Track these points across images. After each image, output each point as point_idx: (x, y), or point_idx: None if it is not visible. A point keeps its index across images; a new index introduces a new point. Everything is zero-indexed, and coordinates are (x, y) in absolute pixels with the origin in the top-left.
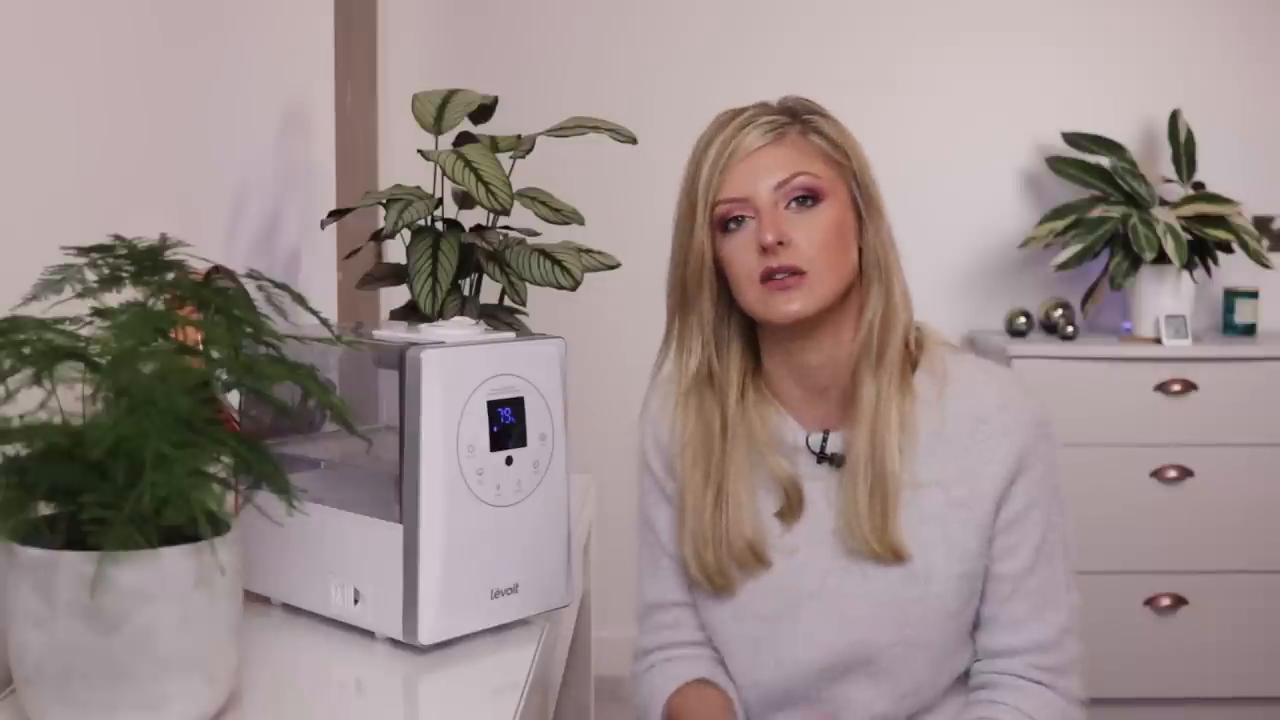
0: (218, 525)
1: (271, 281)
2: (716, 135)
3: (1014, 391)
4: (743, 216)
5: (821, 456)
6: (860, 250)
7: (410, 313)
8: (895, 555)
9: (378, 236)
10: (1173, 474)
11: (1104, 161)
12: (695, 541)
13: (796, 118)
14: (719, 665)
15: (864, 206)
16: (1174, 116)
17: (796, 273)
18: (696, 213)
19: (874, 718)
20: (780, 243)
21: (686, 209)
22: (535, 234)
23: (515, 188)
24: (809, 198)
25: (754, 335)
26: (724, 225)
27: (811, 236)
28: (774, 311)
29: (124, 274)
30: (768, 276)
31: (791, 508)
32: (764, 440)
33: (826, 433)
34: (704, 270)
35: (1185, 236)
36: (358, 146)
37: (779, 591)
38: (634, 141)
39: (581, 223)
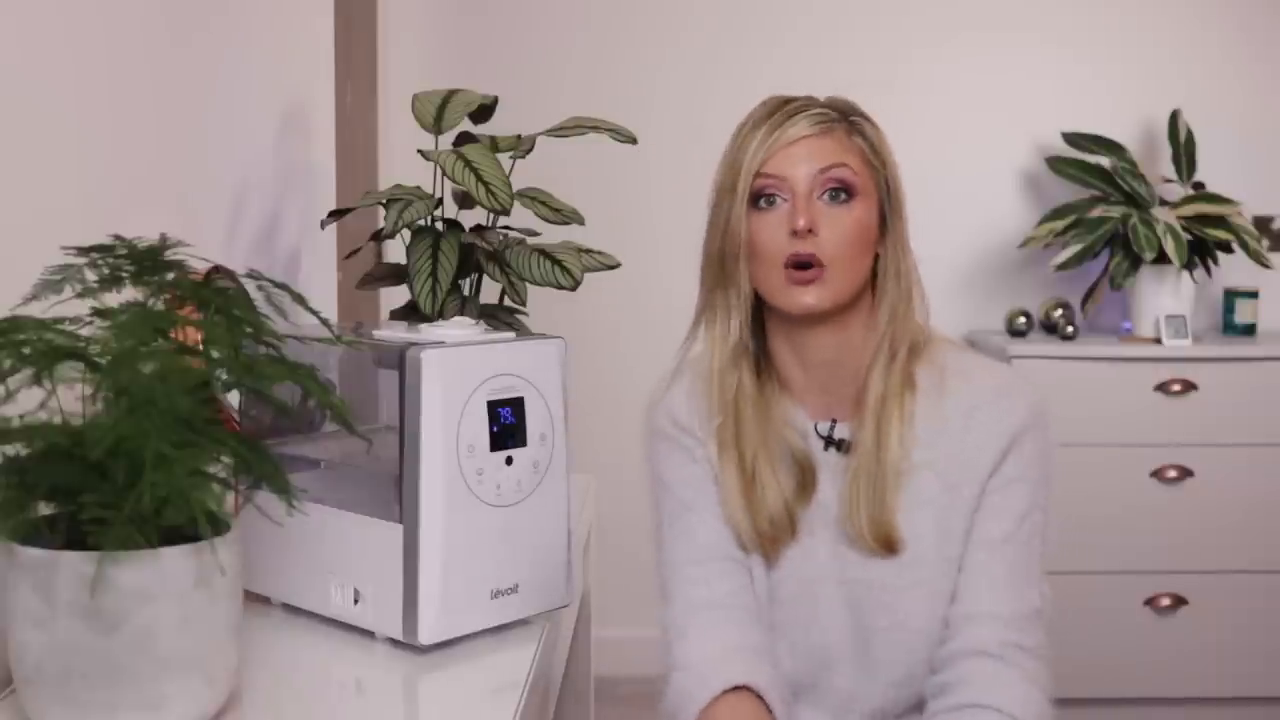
0: (218, 525)
1: (271, 281)
2: (765, 118)
3: (1012, 381)
4: (776, 196)
5: (829, 442)
6: (877, 255)
7: (410, 313)
8: (887, 547)
9: (378, 236)
10: (1173, 474)
11: (1104, 161)
12: (734, 515)
13: (844, 117)
14: (758, 628)
15: (890, 213)
16: (1174, 116)
17: (817, 264)
18: (737, 187)
19: (870, 712)
20: (810, 230)
21: (726, 184)
22: (535, 234)
23: (515, 188)
24: (843, 191)
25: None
26: (756, 201)
27: (837, 232)
28: (791, 302)
29: (124, 274)
30: (791, 263)
31: (805, 485)
32: (780, 418)
33: (834, 421)
34: (742, 245)
35: (1185, 236)
36: (358, 146)
37: (797, 573)
38: (634, 141)
39: (581, 223)
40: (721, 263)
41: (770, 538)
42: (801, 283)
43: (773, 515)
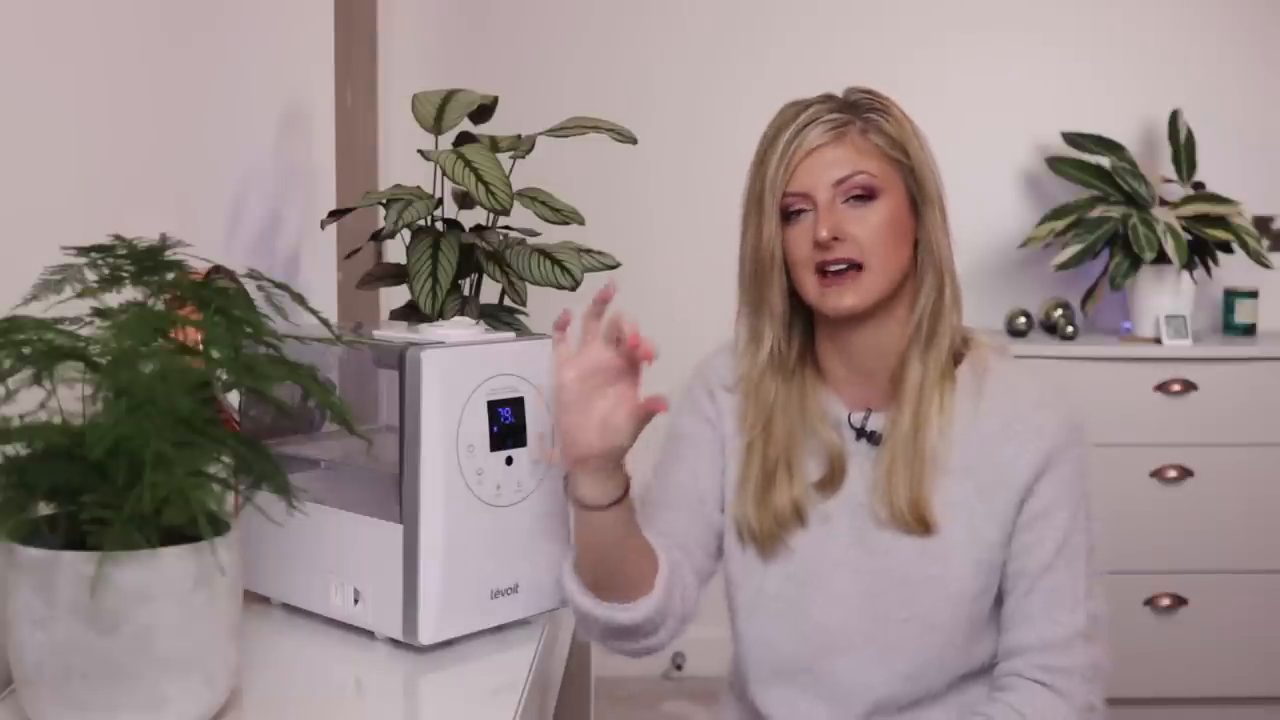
0: (218, 525)
1: (271, 281)
2: (781, 132)
3: (1053, 393)
4: (803, 210)
5: (861, 433)
6: (916, 242)
7: (410, 313)
8: (923, 525)
9: (378, 236)
10: (1173, 474)
11: (1104, 161)
12: (746, 512)
13: (859, 114)
14: (675, 554)
15: (920, 201)
16: (1174, 116)
17: (853, 265)
18: (765, 207)
19: (874, 702)
20: (835, 238)
21: (754, 204)
22: (535, 234)
23: (515, 188)
24: (865, 196)
25: (812, 315)
26: (785, 216)
27: (866, 231)
28: (828, 305)
29: (124, 274)
30: (822, 269)
31: (833, 478)
32: (814, 412)
33: (869, 411)
34: (774, 263)
35: (1185, 236)
36: (358, 146)
37: (808, 557)
38: (634, 141)
39: (581, 223)
40: (756, 283)
41: (770, 535)
42: (836, 285)
43: (778, 513)
